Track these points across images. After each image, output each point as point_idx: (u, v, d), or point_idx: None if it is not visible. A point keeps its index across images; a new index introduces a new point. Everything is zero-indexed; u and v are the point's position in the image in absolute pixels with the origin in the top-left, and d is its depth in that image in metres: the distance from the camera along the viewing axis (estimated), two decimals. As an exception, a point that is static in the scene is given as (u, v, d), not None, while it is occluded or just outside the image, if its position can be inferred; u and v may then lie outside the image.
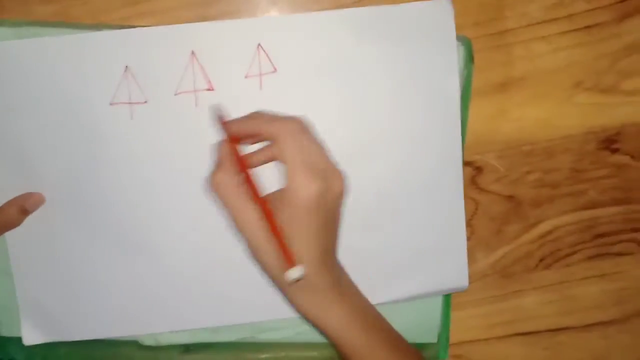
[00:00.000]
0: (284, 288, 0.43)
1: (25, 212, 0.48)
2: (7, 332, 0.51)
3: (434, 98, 0.49)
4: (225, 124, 0.44)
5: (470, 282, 0.52)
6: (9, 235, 0.49)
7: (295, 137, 0.42)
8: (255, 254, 0.43)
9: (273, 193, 0.43)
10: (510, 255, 0.54)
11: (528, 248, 0.54)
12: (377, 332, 0.45)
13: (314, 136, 0.43)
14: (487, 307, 0.54)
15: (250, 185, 0.42)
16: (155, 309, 0.51)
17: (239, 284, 0.50)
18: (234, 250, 0.48)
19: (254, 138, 0.44)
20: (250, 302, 0.51)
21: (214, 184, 0.42)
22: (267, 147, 0.44)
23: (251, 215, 0.42)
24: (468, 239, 0.52)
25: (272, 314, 0.51)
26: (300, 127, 0.43)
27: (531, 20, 0.50)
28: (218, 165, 0.43)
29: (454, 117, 0.49)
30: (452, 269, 0.51)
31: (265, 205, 0.42)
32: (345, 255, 0.46)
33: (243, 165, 0.43)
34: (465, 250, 0.51)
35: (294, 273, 0.40)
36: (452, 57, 0.48)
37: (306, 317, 0.44)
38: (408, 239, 0.51)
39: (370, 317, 0.46)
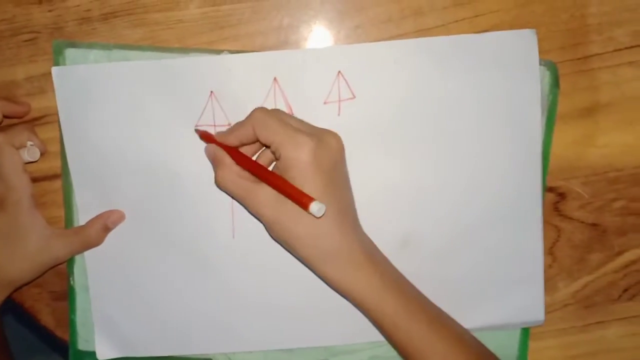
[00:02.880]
0: (313, 261, 0.43)
1: (107, 230, 0.49)
2: (84, 346, 0.51)
3: (515, 128, 0.48)
4: (208, 138, 0.46)
5: (550, 312, 0.51)
6: (87, 251, 0.50)
7: (269, 113, 0.43)
8: (279, 232, 0.42)
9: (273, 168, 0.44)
10: (592, 285, 0.52)
11: (611, 278, 0.52)
12: (414, 301, 0.44)
13: (287, 113, 0.45)
14: (567, 337, 0.53)
15: (251, 165, 0.43)
16: (229, 329, 0.51)
17: (314, 308, 0.50)
18: (310, 275, 0.48)
19: (243, 143, 0.45)
20: (325, 326, 0.51)
21: (219, 183, 0.44)
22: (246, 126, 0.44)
23: (262, 194, 0.42)
24: (549, 267, 0.51)
25: (347, 339, 0.51)
26: (265, 108, 0.43)
27: (618, 45, 0.49)
28: (215, 166, 0.44)
29: (535, 147, 0.48)
30: (528, 302, 0.50)
31: (271, 172, 0.42)
32: (419, 283, 0.45)
33: (235, 153, 0.44)
34: (543, 283, 0.50)
35: (315, 205, 0.38)
36: (535, 87, 0.48)
37: (338, 289, 0.43)
38: (482, 268, 0.50)
39: (406, 286, 0.45)
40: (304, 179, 0.41)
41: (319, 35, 0.49)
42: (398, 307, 0.43)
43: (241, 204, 0.44)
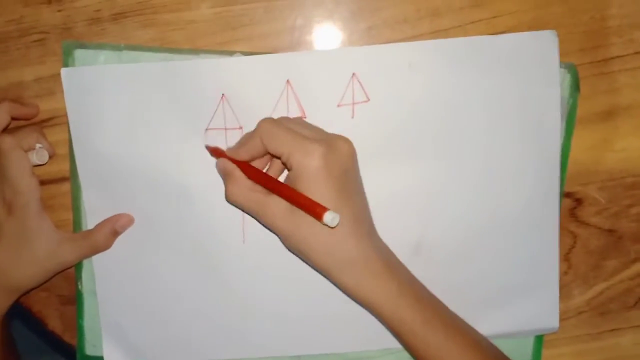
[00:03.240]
0: (330, 270, 0.42)
1: (115, 234, 0.48)
2: (91, 352, 0.51)
3: (533, 131, 0.47)
4: (219, 154, 0.46)
5: (565, 319, 0.51)
6: (96, 256, 0.49)
7: (276, 123, 0.42)
8: (294, 244, 0.42)
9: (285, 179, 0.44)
10: (608, 292, 0.51)
11: (627, 285, 0.51)
12: (431, 308, 0.43)
13: (295, 120, 0.44)
14: (581, 345, 0.52)
15: (262, 178, 0.43)
16: (239, 335, 0.50)
17: (325, 314, 0.49)
18: (321, 280, 0.47)
19: (254, 157, 0.44)
20: (337, 332, 0.50)
21: (229, 198, 0.43)
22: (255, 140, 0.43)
23: (275, 206, 0.41)
24: (565, 273, 0.51)
25: (358, 346, 0.50)
26: (272, 119, 0.43)
27: (638, 47, 0.48)
28: (225, 180, 0.44)
29: (553, 152, 0.48)
30: (543, 309, 0.50)
31: (282, 184, 0.42)
32: (431, 288, 0.45)
33: (245, 167, 0.43)
34: (558, 290, 0.49)
35: (329, 215, 0.37)
36: (555, 90, 0.47)
37: (355, 297, 0.43)
38: (497, 274, 0.49)
39: (422, 292, 0.44)
40: (316, 185, 0.40)
41: (332, 36, 0.48)
42: (415, 315, 0.42)
43: (254, 217, 0.43)
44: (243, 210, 0.44)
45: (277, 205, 0.41)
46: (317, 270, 0.43)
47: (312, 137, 0.41)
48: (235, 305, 0.49)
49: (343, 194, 0.41)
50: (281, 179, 0.46)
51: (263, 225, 0.43)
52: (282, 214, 0.41)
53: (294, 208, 0.40)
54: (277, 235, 0.43)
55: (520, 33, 0.46)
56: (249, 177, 0.43)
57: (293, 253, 0.43)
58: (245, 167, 0.44)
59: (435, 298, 0.45)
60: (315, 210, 0.38)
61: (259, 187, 0.43)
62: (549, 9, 0.47)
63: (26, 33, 0.47)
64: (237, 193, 0.43)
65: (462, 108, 0.47)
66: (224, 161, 0.44)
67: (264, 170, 0.46)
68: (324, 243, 0.41)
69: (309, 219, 0.40)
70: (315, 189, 0.40)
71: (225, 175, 0.44)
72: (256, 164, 0.45)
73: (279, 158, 0.42)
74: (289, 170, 0.42)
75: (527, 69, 0.46)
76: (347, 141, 0.42)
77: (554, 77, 0.46)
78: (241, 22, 0.47)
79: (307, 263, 0.43)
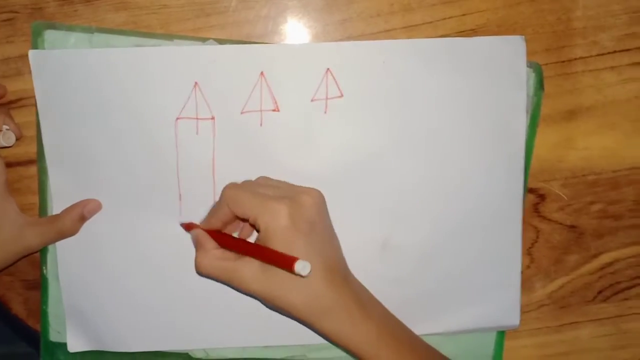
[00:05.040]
0: (310, 320, 0.42)
1: (83, 219, 0.48)
2: (55, 338, 0.50)
3: (499, 133, 0.48)
4: (191, 227, 0.47)
5: (526, 312, 0.52)
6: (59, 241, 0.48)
7: (240, 188, 0.43)
8: (272, 302, 0.42)
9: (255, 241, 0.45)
10: (568, 286, 0.53)
11: (587, 279, 0.53)
12: (409, 348, 0.44)
13: (258, 181, 0.46)
14: (542, 337, 0.53)
15: (232, 243, 0.44)
16: (204, 325, 0.50)
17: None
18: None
19: (225, 224, 0.46)
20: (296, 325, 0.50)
21: (198, 269, 0.44)
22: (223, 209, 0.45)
23: (247, 270, 0.42)
24: (527, 267, 0.52)
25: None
26: (235, 185, 0.44)
27: (602, 49, 0.50)
28: (196, 251, 0.44)
29: (518, 155, 0.49)
30: (505, 306, 0.51)
31: (251, 243, 0.42)
32: (398, 286, 0.46)
33: (217, 235, 0.44)
34: (520, 288, 0.50)
35: (300, 264, 0.38)
36: (521, 93, 0.48)
37: (336, 342, 0.43)
38: (461, 273, 0.50)
39: (400, 333, 0.45)
40: (286, 244, 0.40)
41: (306, 26, 0.48)
42: (391, 355, 0.43)
43: (227, 285, 0.43)
44: (215, 280, 0.44)
45: (249, 269, 0.42)
46: (298, 322, 0.43)
47: (276, 197, 0.42)
48: (203, 294, 0.49)
49: (312, 246, 0.41)
50: (252, 238, 0.47)
51: (239, 292, 0.43)
52: (255, 277, 0.42)
53: (266, 268, 0.41)
54: (255, 298, 0.43)
55: (490, 37, 0.47)
56: (221, 244, 0.44)
57: (273, 310, 0.43)
58: (217, 235, 0.45)
59: (410, 333, 0.46)
60: (285, 262, 0.39)
61: (228, 255, 0.43)
62: (517, 9, 0.49)
63: (-5, 12, 0.46)
64: (204, 263, 0.43)
65: (433, 108, 0.47)
66: (197, 231, 0.45)
67: (237, 233, 0.47)
68: (302, 297, 0.41)
69: (283, 276, 0.40)
70: (285, 247, 0.40)
71: (196, 246, 0.45)
72: (229, 229, 0.46)
73: (247, 221, 0.43)
74: (257, 232, 0.42)
75: (495, 71, 0.47)
76: (311, 193, 0.43)
77: (521, 80, 0.48)
78: (215, 9, 0.47)
79: (288, 317, 0.43)
